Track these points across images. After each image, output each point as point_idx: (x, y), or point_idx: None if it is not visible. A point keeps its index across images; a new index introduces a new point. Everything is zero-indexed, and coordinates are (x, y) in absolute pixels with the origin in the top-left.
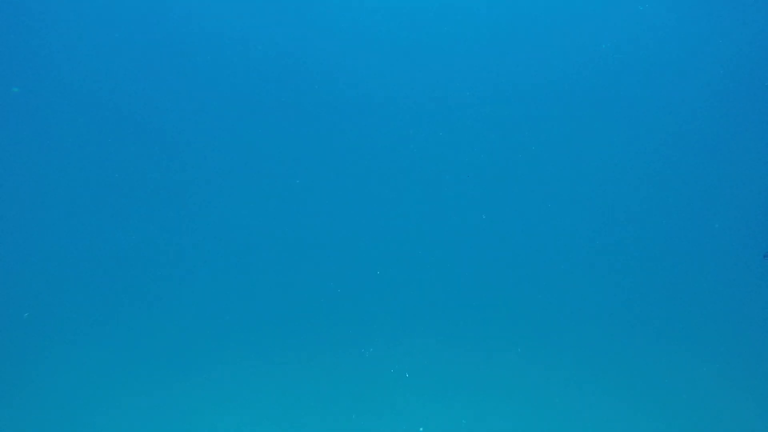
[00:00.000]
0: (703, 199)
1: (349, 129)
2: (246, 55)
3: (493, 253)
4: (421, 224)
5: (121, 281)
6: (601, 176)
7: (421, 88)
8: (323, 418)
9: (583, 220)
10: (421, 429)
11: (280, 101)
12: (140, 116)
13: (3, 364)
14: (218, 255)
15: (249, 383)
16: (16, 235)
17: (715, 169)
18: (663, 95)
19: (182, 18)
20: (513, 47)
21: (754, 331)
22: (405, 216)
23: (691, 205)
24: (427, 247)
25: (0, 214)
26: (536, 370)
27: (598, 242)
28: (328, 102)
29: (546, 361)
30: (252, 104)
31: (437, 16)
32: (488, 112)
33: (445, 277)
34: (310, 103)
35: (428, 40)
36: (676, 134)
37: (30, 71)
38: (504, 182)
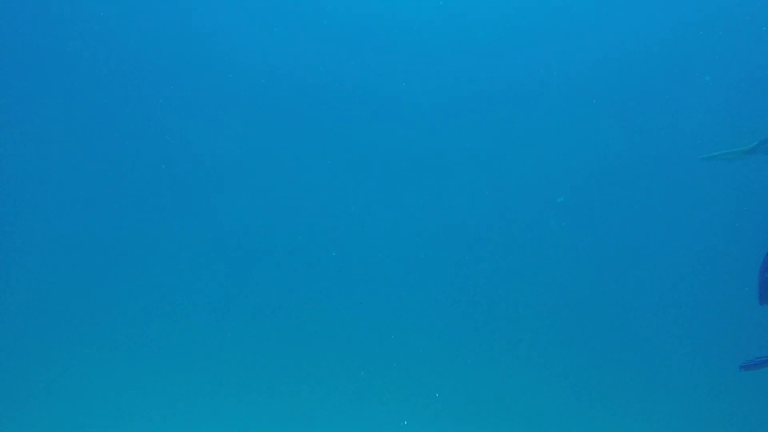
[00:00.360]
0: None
1: (348, 131)
2: (248, 58)
3: (489, 253)
4: (420, 226)
5: (121, 281)
6: (599, 180)
7: (419, 89)
8: (321, 418)
9: (581, 223)
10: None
11: (281, 102)
12: (142, 117)
13: (3, 364)
14: (218, 256)
15: (247, 382)
16: (17, 234)
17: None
18: (663, 101)
19: (184, 20)
20: (512, 49)
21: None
22: (404, 217)
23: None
24: (425, 248)
25: (1, 214)
26: (530, 370)
27: (595, 244)
28: (328, 104)
29: (540, 361)
30: (253, 106)
31: (436, 17)
32: (484, 116)
33: (444, 279)
34: (311, 104)
35: (428, 41)
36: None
37: (32, 71)
38: (501, 183)
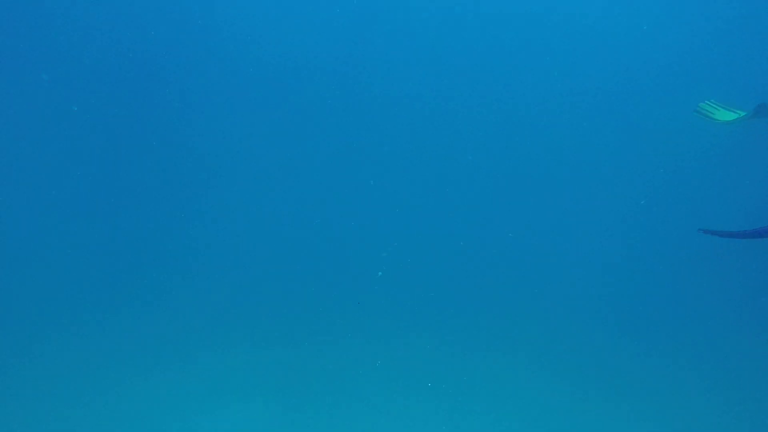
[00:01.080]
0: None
1: (350, 129)
2: (248, 54)
3: (492, 252)
4: (421, 224)
5: (118, 279)
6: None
7: (421, 87)
8: (320, 417)
9: (585, 222)
10: None
11: (282, 99)
12: (140, 115)
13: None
14: (215, 253)
15: (246, 381)
16: (16, 234)
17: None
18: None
19: (183, 16)
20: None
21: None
22: (404, 215)
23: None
24: (427, 247)
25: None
26: (535, 372)
27: (600, 244)
28: (330, 101)
29: (546, 362)
30: (253, 102)
31: (440, 17)
32: (489, 113)
33: (446, 278)
34: (312, 101)
35: (430, 40)
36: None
37: (32, 68)
38: (504, 183)
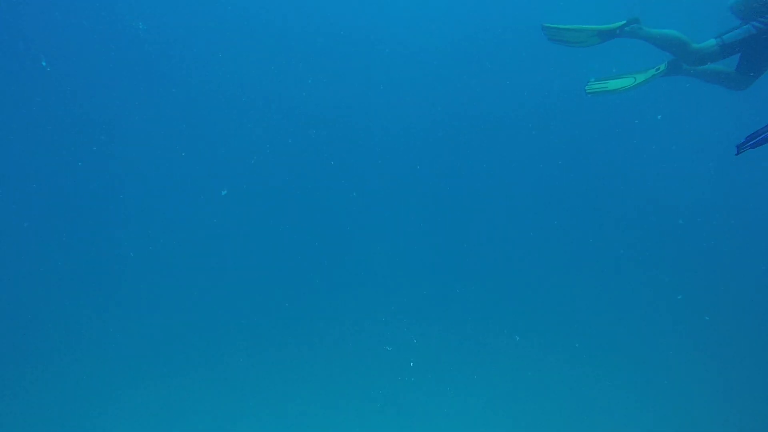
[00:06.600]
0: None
1: (348, 131)
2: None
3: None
4: (420, 221)
5: (118, 280)
6: None
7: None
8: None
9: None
10: None
11: (280, 102)
12: (138, 117)
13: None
14: (217, 255)
15: (250, 379)
16: (15, 235)
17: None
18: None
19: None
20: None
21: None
22: (404, 213)
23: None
24: (427, 243)
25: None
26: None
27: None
28: (325, 105)
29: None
30: (250, 107)
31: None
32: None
33: (446, 273)
34: (308, 106)
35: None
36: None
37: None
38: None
